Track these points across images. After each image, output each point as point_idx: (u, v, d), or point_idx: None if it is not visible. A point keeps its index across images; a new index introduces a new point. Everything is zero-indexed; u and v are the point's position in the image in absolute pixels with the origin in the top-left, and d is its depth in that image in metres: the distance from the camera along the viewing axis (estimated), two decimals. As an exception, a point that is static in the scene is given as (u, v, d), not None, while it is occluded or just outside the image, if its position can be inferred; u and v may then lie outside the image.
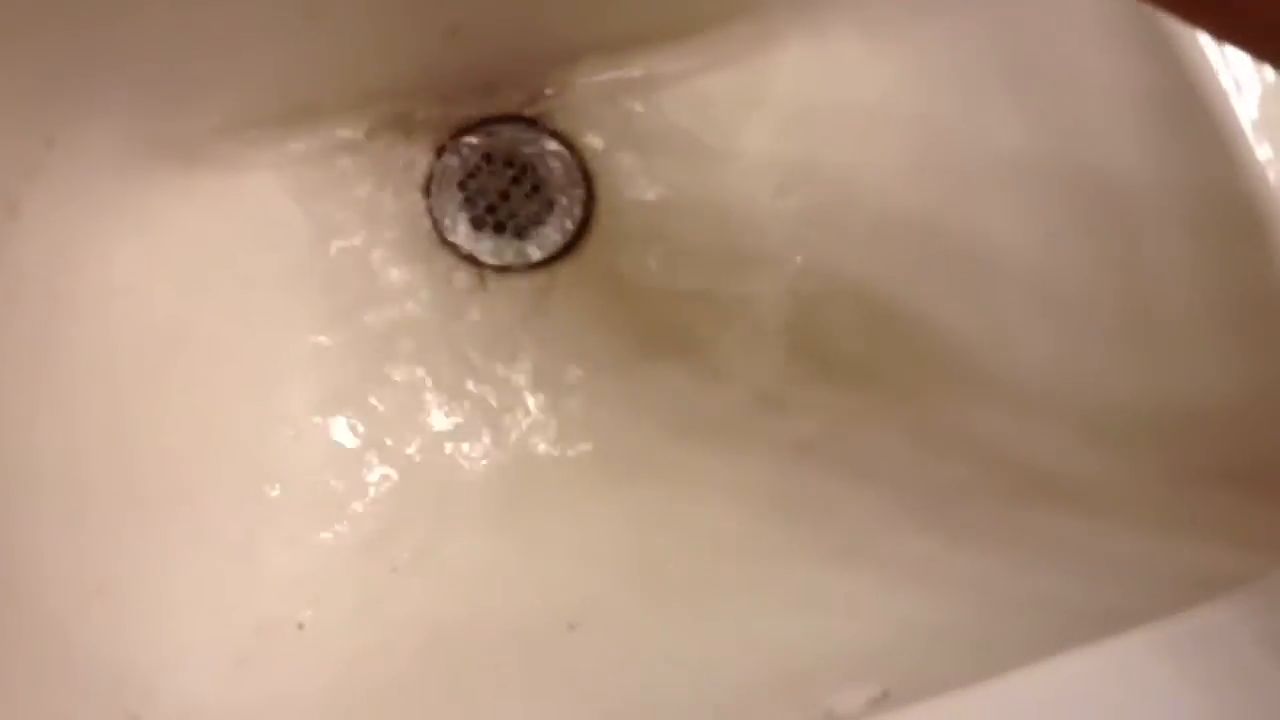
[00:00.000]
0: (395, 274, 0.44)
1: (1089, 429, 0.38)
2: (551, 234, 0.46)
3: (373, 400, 0.41)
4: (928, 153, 0.43)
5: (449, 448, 0.41)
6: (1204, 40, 0.35)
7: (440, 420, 0.42)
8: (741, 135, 0.46)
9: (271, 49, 0.42)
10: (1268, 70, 0.35)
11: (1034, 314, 0.38)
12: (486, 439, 0.41)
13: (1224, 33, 0.22)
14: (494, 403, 0.42)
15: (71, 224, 0.38)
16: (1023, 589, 0.32)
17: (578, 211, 0.46)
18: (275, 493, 0.39)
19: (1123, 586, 0.30)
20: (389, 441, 0.41)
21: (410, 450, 0.41)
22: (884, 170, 0.44)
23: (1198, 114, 0.35)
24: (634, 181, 0.46)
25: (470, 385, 0.42)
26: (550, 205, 0.46)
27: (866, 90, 0.44)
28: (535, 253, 0.45)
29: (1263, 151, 0.33)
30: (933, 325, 0.40)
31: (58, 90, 0.38)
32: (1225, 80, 0.35)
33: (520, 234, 0.45)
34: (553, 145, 0.46)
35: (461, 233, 0.45)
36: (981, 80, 0.41)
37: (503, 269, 0.45)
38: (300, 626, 0.36)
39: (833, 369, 0.42)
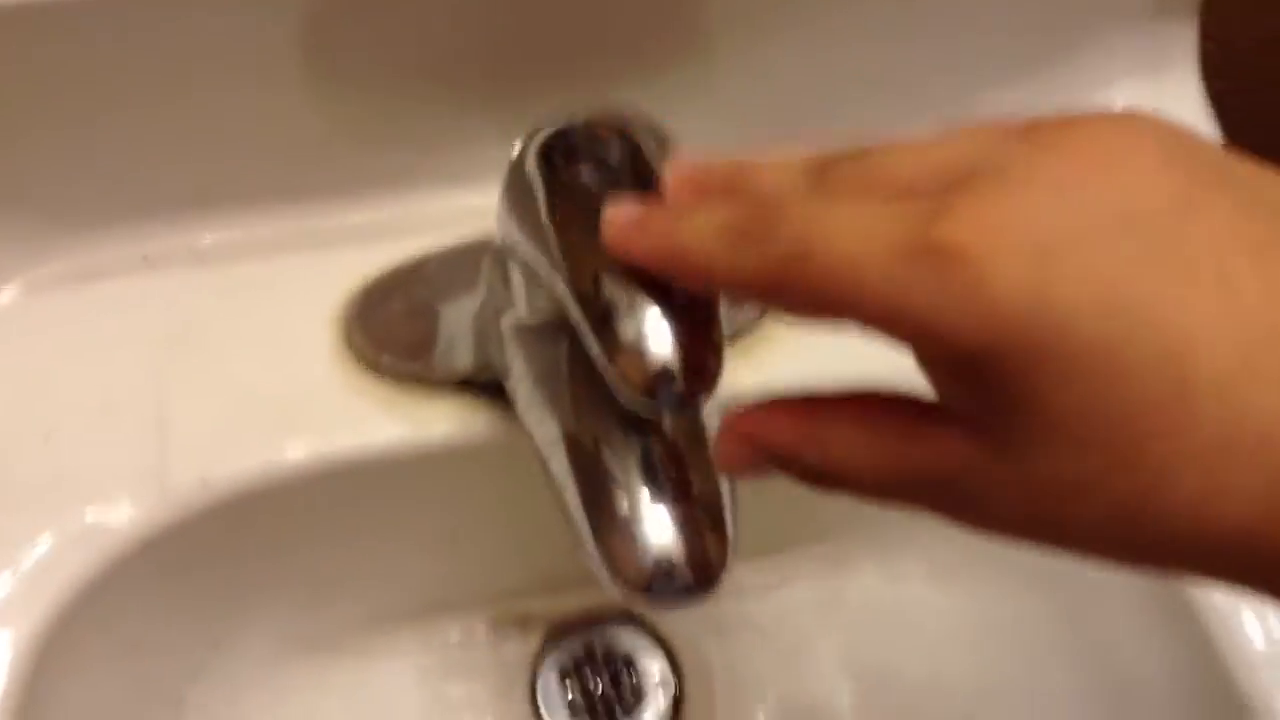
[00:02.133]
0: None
1: None
2: (642, 723, 0.50)
3: None
4: (981, 685, 0.47)
5: None
6: (1226, 621, 0.40)
7: None
8: (818, 646, 0.51)
9: (415, 561, 0.48)
10: None
11: None
12: None
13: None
14: None
15: (228, 713, 0.44)
16: None
17: (669, 704, 0.50)
18: None
19: None
20: None
21: None
22: (941, 694, 0.48)
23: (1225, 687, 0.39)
24: (721, 680, 0.51)
25: None
26: (643, 698, 0.51)
27: (928, 621, 0.49)
28: (624, 745, 0.50)
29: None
30: None
31: (226, 602, 0.45)
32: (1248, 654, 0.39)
33: (612, 723, 0.50)
34: (649, 641, 0.51)
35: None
36: (1033, 635, 0.46)
37: (595, 758, 0.49)
38: None
39: None
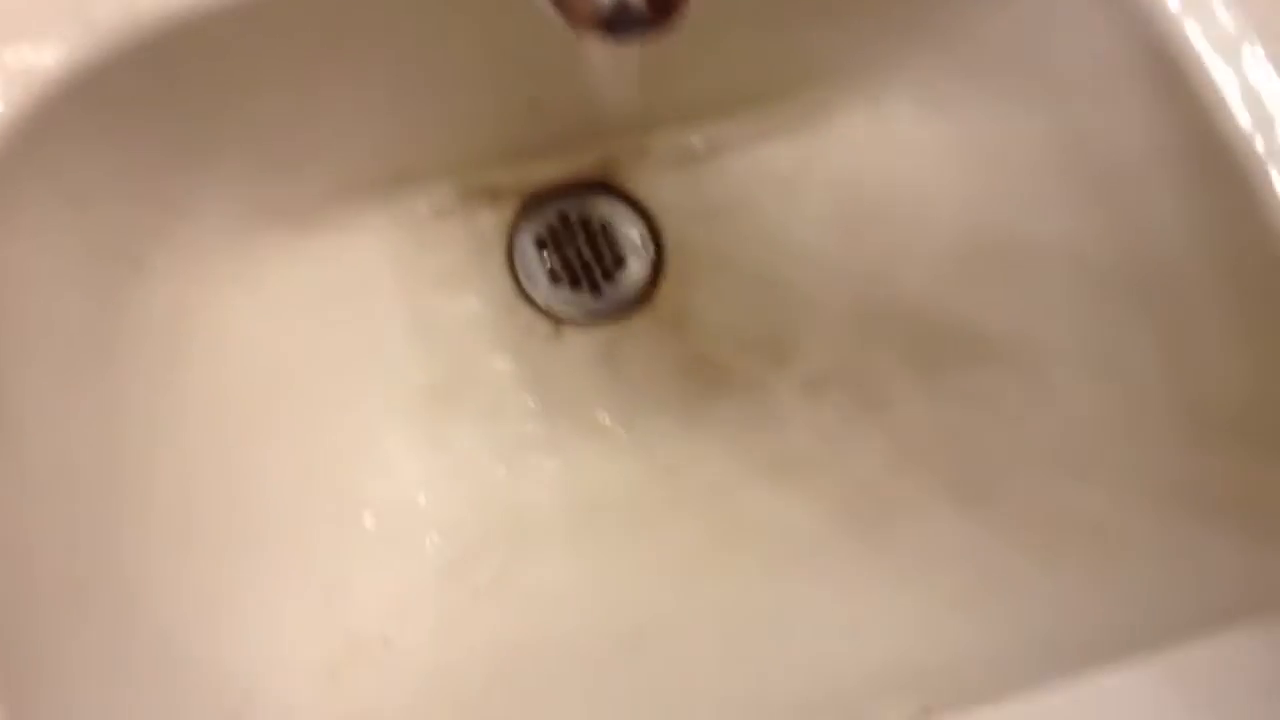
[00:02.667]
0: (479, 327, 0.48)
1: (1134, 479, 0.39)
2: (623, 288, 0.49)
3: (457, 439, 0.45)
4: (976, 221, 0.45)
5: (526, 482, 0.44)
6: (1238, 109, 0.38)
7: (519, 457, 0.45)
8: (801, 198, 0.49)
9: (371, 122, 0.46)
10: None
11: (1081, 379, 0.41)
12: (562, 474, 0.44)
13: None
14: (570, 440, 0.45)
15: (190, 278, 0.43)
16: (1060, 613, 0.34)
17: (648, 267, 0.49)
18: (368, 522, 0.42)
19: (1150, 612, 0.32)
20: (472, 476, 0.44)
21: (491, 484, 0.44)
22: (933, 237, 0.47)
23: (1233, 180, 0.38)
24: (700, 240, 0.49)
25: (547, 426, 0.45)
26: (622, 262, 0.49)
27: (919, 159, 0.47)
28: (608, 306, 0.49)
29: None
30: (980, 382, 0.43)
31: (182, 161, 0.43)
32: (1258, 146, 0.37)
33: (594, 289, 0.49)
34: (625, 207, 0.50)
35: (540, 289, 0.49)
36: (1025, 149, 0.44)
37: (578, 322, 0.48)
38: (387, 642, 0.39)
39: (887, 410, 0.44)
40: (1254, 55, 0.37)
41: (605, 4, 0.31)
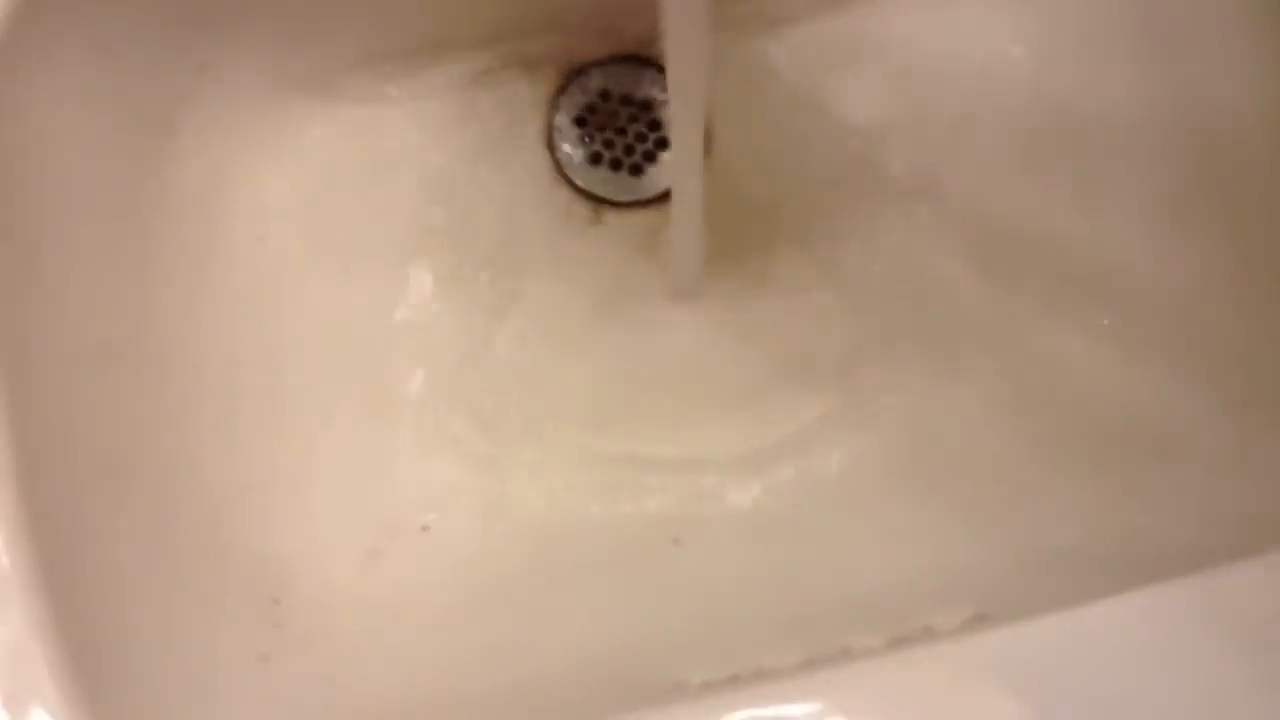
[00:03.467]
0: (516, 206, 0.46)
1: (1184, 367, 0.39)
2: (666, 170, 0.47)
3: (494, 322, 0.44)
4: (1040, 103, 0.43)
5: (563, 368, 0.43)
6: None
7: (553, 342, 0.44)
8: (856, 78, 0.47)
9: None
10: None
11: (1141, 266, 0.39)
12: (605, 356, 0.43)
13: None
14: (609, 328, 0.44)
15: (222, 146, 0.41)
16: (1113, 523, 0.33)
17: (691, 150, 0.47)
18: (404, 403, 0.41)
19: (1207, 525, 0.32)
20: (505, 359, 0.43)
21: (524, 369, 0.43)
22: (993, 122, 0.45)
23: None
24: (749, 120, 0.47)
25: (585, 311, 0.44)
26: (665, 143, 0.47)
27: (983, 38, 0.45)
28: (650, 189, 0.47)
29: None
30: (1038, 259, 0.41)
31: (207, 21, 0.41)
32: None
33: (636, 170, 0.47)
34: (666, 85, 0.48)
35: (579, 168, 0.47)
36: (1096, 35, 0.41)
37: (619, 204, 0.47)
38: (425, 529, 0.39)
39: (937, 302, 0.43)
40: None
41: None
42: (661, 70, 0.48)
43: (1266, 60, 0.38)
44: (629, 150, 0.47)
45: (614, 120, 0.48)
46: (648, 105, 0.48)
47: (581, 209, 0.46)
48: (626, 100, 0.48)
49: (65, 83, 0.36)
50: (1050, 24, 0.43)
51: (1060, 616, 0.30)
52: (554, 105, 0.47)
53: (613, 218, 0.46)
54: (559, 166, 0.47)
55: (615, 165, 0.47)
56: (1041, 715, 0.28)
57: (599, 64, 0.48)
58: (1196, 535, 0.33)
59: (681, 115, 0.35)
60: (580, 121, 0.47)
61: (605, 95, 0.48)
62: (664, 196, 0.47)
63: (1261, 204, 0.37)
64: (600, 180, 0.47)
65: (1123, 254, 0.41)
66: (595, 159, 0.47)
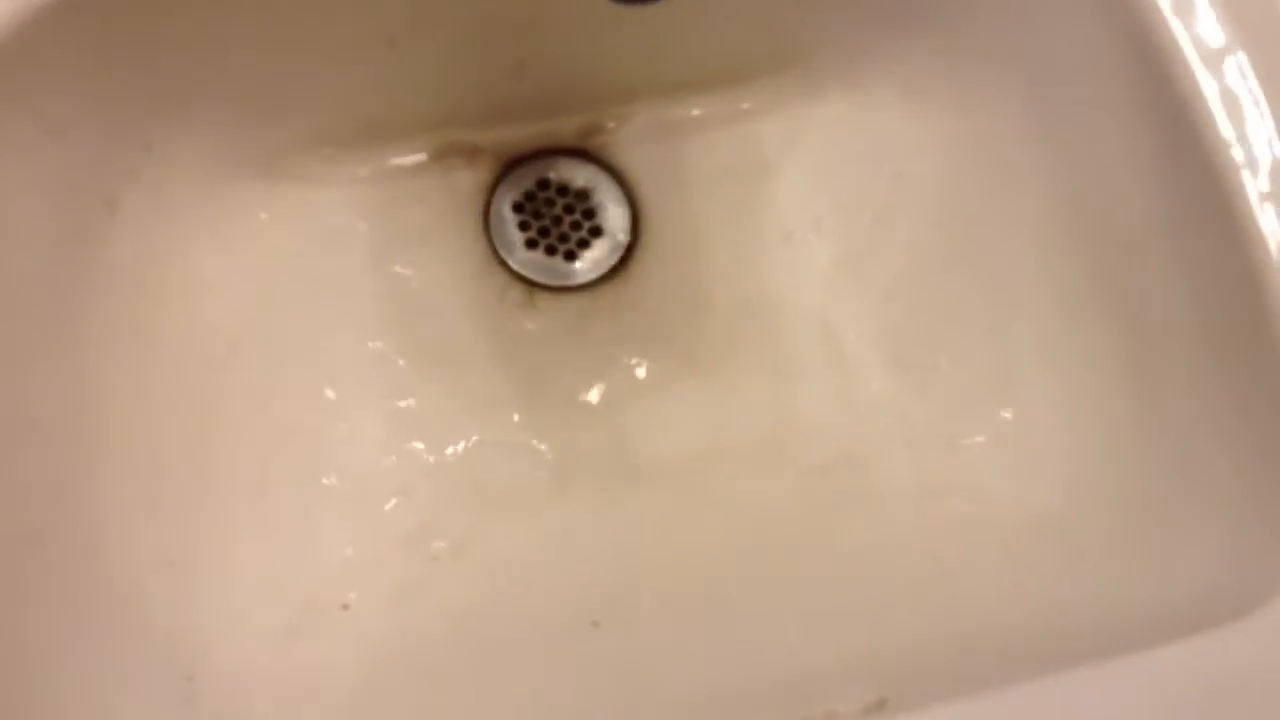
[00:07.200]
0: (450, 289, 0.47)
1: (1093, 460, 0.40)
2: (600, 257, 0.49)
3: (423, 402, 0.44)
4: (952, 206, 0.45)
5: (490, 449, 0.44)
6: (1221, 119, 0.38)
7: (484, 423, 0.44)
8: (783, 177, 0.49)
9: (352, 72, 0.45)
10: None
11: (1042, 361, 0.41)
12: (528, 442, 0.44)
13: None
14: (536, 410, 0.45)
15: (163, 224, 0.42)
16: (1016, 612, 0.34)
17: (625, 238, 0.49)
18: (331, 482, 0.42)
19: (1107, 613, 0.33)
20: (436, 441, 0.44)
21: (455, 449, 0.44)
22: (911, 221, 0.47)
23: (1209, 186, 0.38)
24: (679, 213, 0.49)
25: (514, 393, 0.45)
26: (599, 231, 0.49)
27: (901, 144, 0.47)
28: (583, 275, 0.48)
29: (1267, 223, 0.36)
30: (945, 352, 0.43)
31: (160, 101, 0.42)
32: (1237, 155, 0.37)
33: (570, 257, 0.48)
34: (605, 176, 0.49)
35: (515, 253, 0.48)
36: (1006, 144, 0.44)
37: (552, 289, 0.48)
38: (345, 607, 0.39)
39: (856, 399, 0.44)
40: (1239, 64, 0.37)
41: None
42: (598, 161, 0.49)
43: (1153, 164, 0.40)
44: (564, 237, 0.49)
45: (550, 207, 0.49)
46: (583, 195, 0.49)
47: (517, 293, 0.48)
48: (563, 189, 0.49)
49: (8, 159, 0.37)
50: (960, 130, 0.45)
51: (961, 702, 0.31)
52: (492, 192, 0.49)
53: (546, 301, 0.48)
54: (495, 251, 0.48)
55: (550, 250, 0.49)
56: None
57: (538, 153, 0.49)
58: (1097, 622, 0.34)
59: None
60: (517, 208, 0.49)
61: (543, 184, 0.49)
62: (597, 282, 0.48)
63: (1150, 295, 0.39)
64: (535, 265, 0.48)
65: (1024, 348, 0.42)
66: (531, 245, 0.48)
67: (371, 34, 0.44)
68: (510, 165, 0.49)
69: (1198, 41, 0.38)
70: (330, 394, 0.44)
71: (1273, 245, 0.35)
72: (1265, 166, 0.37)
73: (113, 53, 0.39)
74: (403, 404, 0.45)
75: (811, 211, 0.49)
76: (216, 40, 0.41)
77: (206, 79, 0.42)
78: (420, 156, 0.48)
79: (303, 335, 0.44)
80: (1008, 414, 0.41)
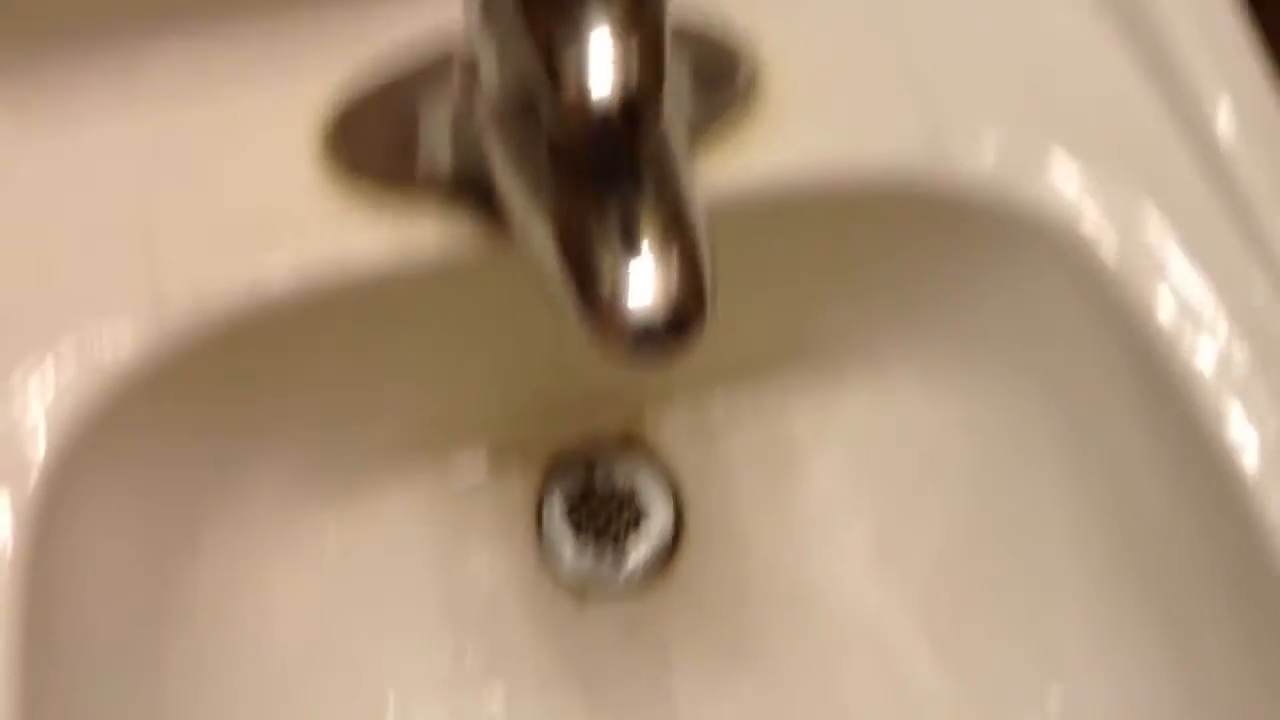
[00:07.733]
0: (504, 595, 0.49)
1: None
2: (645, 557, 0.51)
3: (484, 711, 0.46)
4: (982, 488, 0.48)
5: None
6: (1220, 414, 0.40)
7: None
8: (816, 464, 0.52)
9: (414, 383, 0.49)
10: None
11: (1084, 651, 0.42)
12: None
13: None
14: (592, 709, 0.46)
15: (239, 554, 0.45)
16: None
17: (669, 537, 0.51)
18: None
19: None
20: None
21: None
22: (943, 503, 0.49)
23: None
24: (719, 507, 0.52)
25: (571, 701, 0.46)
26: (645, 531, 0.51)
27: (926, 429, 0.50)
28: (630, 577, 0.50)
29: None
30: (987, 635, 0.44)
31: (243, 442, 0.45)
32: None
33: (617, 562, 0.50)
34: (648, 471, 0.52)
35: (565, 558, 0.50)
36: (1026, 433, 0.46)
37: (601, 595, 0.50)
38: None
39: (903, 689, 0.45)
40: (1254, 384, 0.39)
41: (631, 330, 0.33)
42: (641, 459, 0.52)
43: (1169, 441, 0.42)
44: (613, 535, 0.51)
45: (599, 511, 0.52)
46: (630, 495, 0.52)
47: (565, 601, 0.49)
48: (610, 494, 0.52)
49: (98, 516, 0.40)
50: (980, 416, 0.48)
51: None
52: (542, 499, 0.52)
53: (595, 608, 0.49)
54: (545, 557, 0.50)
55: (599, 555, 0.51)
56: None
57: (585, 449, 0.52)
58: None
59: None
60: (567, 513, 0.51)
61: (590, 484, 0.52)
62: (644, 583, 0.50)
63: (1179, 575, 0.40)
64: (584, 571, 0.50)
65: (1067, 629, 0.43)
66: (580, 550, 0.51)
67: (425, 359, 0.48)
68: (559, 464, 0.52)
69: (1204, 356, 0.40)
70: (397, 707, 0.45)
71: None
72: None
73: (198, 404, 0.43)
74: (464, 713, 0.46)
75: (845, 497, 0.51)
76: (295, 377, 0.45)
77: (274, 410, 0.46)
78: (474, 464, 0.51)
79: (367, 652, 0.46)
80: (1056, 699, 0.42)
